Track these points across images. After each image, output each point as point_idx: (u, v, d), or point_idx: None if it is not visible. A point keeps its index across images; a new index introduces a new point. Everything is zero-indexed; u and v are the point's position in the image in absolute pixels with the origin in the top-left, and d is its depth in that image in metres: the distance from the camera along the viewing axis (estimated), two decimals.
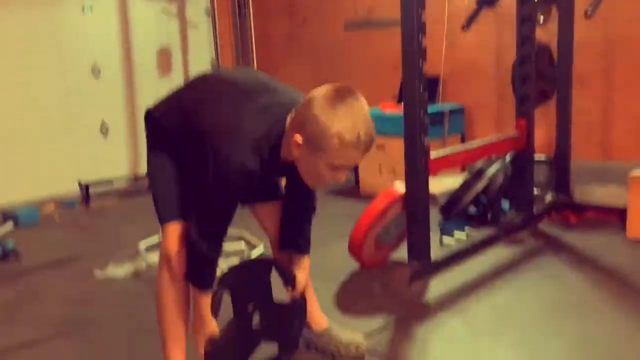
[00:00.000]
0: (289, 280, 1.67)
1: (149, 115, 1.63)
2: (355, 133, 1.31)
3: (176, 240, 1.51)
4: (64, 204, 4.12)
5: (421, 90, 2.21)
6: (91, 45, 4.49)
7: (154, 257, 2.58)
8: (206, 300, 1.51)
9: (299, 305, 1.72)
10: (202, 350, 1.54)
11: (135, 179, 4.60)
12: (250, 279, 1.65)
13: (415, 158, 2.26)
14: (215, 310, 1.53)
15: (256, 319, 1.65)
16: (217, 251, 1.50)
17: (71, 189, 4.24)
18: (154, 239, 2.93)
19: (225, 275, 1.57)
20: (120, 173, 4.58)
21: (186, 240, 1.50)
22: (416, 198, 2.31)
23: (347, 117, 1.32)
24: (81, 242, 3.34)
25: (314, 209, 1.74)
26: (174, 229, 1.52)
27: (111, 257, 2.83)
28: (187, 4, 5.03)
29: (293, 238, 1.72)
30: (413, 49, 2.19)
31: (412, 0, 2.15)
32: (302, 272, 1.70)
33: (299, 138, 1.35)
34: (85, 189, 4.20)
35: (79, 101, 4.40)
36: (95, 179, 4.33)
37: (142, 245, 2.92)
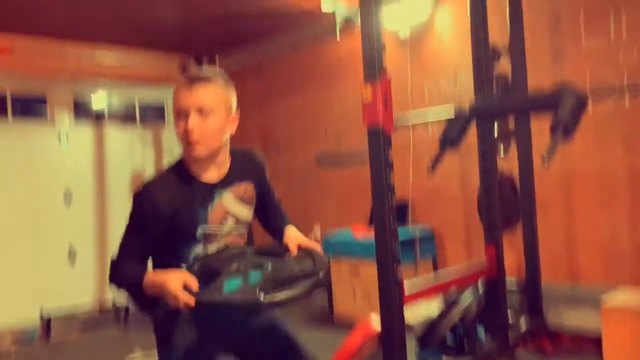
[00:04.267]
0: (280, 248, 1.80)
1: None
2: (185, 78, 1.72)
3: None
4: (22, 338, 3.90)
5: (392, 224, 2.26)
6: (65, 172, 4.53)
7: None
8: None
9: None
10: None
11: (101, 310, 4.44)
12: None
13: (390, 303, 2.25)
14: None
15: None
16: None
17: (33, 317, 4.05)
18: None
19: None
20: (85, 302, 4.41)
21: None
22: (392, 336, 2.26)
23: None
24: None
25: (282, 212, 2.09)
26: None
27: None
28: (163, 131, 5.20)
29: (274, 227, 2.02)
30: (382, 185, 2.27)
31: (378, 141, 2.27)
32: (290, 237, 1.89)
33: None
34: (47, 322, 4.01)
35: (47, 226, 4.35)
36: (59, 309, 4.15)
37: None
